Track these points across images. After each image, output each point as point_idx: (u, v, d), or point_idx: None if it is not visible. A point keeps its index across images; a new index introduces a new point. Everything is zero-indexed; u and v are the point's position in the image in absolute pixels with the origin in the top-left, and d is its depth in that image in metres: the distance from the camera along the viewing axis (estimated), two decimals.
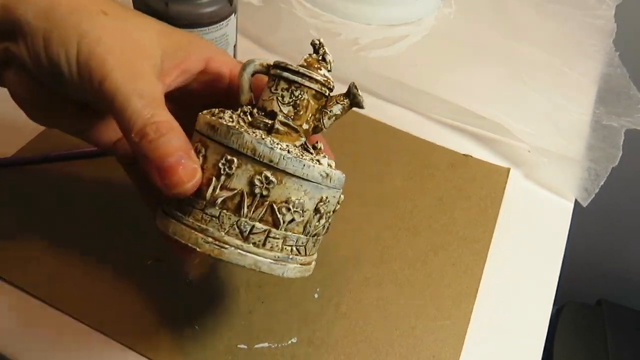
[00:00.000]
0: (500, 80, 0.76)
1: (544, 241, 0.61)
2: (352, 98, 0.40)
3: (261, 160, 0.34)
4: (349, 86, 0.40)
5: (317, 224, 0.38)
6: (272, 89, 0.39)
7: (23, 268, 0.50)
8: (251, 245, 0.35)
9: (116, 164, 0.44)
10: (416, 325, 0.52)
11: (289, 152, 0.35)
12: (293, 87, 0.39)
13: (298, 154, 0.36)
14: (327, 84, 0.39)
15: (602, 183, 0.64)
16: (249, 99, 0.41)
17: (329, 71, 0.40)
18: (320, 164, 0.37)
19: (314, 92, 0.39)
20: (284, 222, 0.36)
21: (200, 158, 0.36)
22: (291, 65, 0.39)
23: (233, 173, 0.35)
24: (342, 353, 0.50)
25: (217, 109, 0.39)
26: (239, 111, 0.39)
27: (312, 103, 0.39)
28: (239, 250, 0.35)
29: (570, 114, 0.73)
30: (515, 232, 0.61)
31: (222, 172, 0.35)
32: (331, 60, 0.40)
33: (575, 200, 0.65)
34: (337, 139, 0.65)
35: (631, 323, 1.26)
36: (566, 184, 0.65)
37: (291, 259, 0.37)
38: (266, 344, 0.49)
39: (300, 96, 0.39)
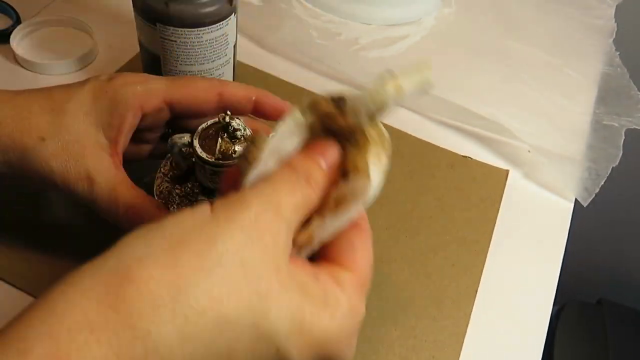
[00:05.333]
0: (500, 80, 0.76)
1: (544, 241, 0.61)
2: None
3: None
4: None
5: None
6: (202, 171, 0.45)
7: (25, 269, 0.51)
8: None
9: None
10: (416, 325, 0.52)
11: None
12: (218, 173, 0.45)
13: None
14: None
15: (602, 183, 0.64)
16: (185, 167, 0.47)
17: (245, 139, 0.45)
18: None
19: None
20: None
21: None
22: (209, 158, 0.44)
23: None
24: None
25: (164, 187, 0.47)
26: (182, 191, 0.47)
27: None
28: None
29: (571, 113, 0.73)
30: (515, 232, 0.61)
31: None
32: (242, 131, 0.44)
33: (576, 200, 0.65)
34: None
35: (632, 322, 1.26)
36: (566, 183, 0.65)
37: None
38: None
39: None
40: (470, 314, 0.54)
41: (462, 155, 0.66)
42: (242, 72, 0.69)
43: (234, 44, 0.61)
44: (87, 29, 0.71)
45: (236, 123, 0.44)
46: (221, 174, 0.44)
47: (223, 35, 0.58)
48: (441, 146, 0.67)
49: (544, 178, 0.66)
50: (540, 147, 0.67)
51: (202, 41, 0.57)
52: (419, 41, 0.80)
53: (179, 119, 0.49)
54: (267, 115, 0.48)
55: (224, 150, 0.44)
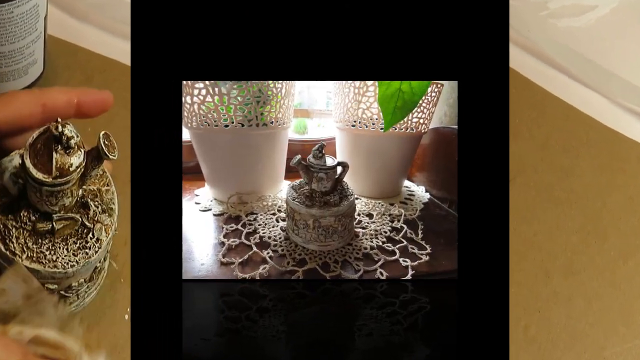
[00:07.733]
0: None
1: None
2: (99, 153, 0.39)
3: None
4: (98, 139, 0.39)
5: None
6: (38, 194, 0.39)
7: None
8: None
9: None
10: (605, 346, 0.49)
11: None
12: (55, 193, 0.39)
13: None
14: (79, 171, 0.39)
15: None
16: (17, 192, 0.41)
17: (79, 148, 0.39)
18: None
19: (71, 184, 0.40)
20: None
21: None
22: (45, 178, 0.38)
23: None
24: None
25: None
26: (18, 222, 0.41)
27: (74, 188, 0.40)
28: None
29: None
30: None
31: None
32: (77, 139, 0.39)
33: None
34: (525, 120, 0.61)
35: None
36: None
37: None
38: None
39: (63, 195, 0.40)
40: None
41: None
42: (52, 47, 0.62)
43: (44, 15, 0.57)
44: None
45: (69, 130, 0.38)
46: (59, 193, 0.40)
47: (34, 7, 0.54)
48: (631, 137, 0.62)
49: None
50: None
51: (13, 16, 0.53)
52: (607, 13, 0.74)
53: (1, 138, 0.44)
54: (90, 114, 0.44)
55: (60, 165, 0.38)
